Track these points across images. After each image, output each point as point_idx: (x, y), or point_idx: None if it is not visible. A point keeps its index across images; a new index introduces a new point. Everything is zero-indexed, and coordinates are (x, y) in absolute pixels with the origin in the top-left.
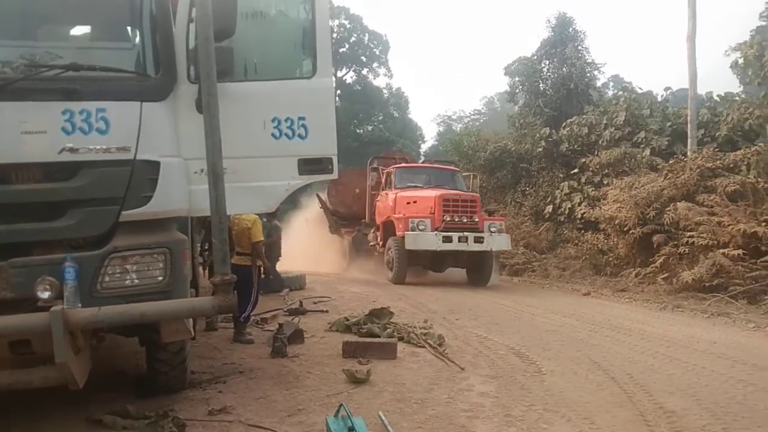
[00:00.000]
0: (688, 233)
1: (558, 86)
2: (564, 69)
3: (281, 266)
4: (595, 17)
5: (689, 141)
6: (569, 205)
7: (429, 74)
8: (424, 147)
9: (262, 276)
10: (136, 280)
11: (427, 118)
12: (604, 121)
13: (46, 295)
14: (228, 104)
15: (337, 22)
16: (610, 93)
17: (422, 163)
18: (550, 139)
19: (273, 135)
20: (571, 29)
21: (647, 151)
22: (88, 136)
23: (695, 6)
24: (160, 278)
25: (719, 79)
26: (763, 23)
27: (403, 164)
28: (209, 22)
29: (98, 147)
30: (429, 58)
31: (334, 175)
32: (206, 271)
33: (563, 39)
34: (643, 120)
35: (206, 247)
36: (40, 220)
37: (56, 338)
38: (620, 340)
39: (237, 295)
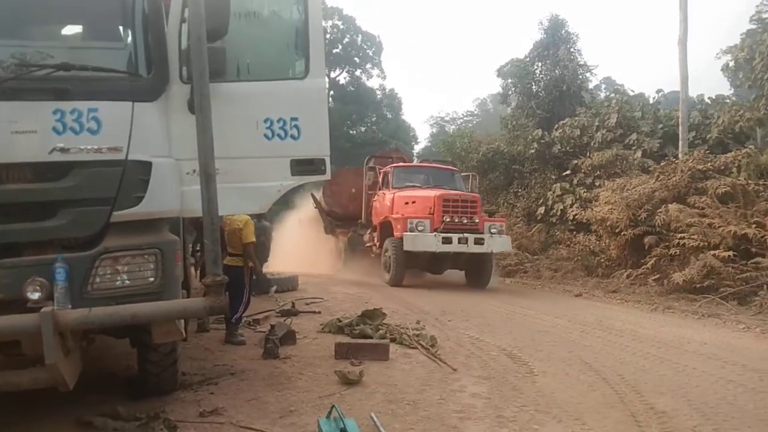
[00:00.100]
0: (679, 235)
1: (550, 88)
2: (556, 71)
3: (272, 267)
4: (587, 20)
5: (680, 143)
6: (561, 207)
7: (422, 75)
8: (417, 148)
9: (254, 277)
10: (127, 281)
11: (420, 120)
12: (596, 123)
13: (36, 296)
14: (220, 104)
15: (330, 22)
16: (602, 95)
17: (420, 162)
18: (542, 141)
19: (265, 135)
20: (563, 31)
21: (639, 153)
22: (79, 136)
23: (686, 9)
24: (152, 279)
25: (709, 81)
26: (753, 26)
27: (401, 163)
28: (202, 21)
29: (89, 147)
30: (422, 60)
31: (327, 176)
32: (198, 271)
33: (556, 41)
34: (634, 122)
35: (198, 248)
36: (30, 221)
37: (46, 339)
38: (612, 341)
39: (229, 296)
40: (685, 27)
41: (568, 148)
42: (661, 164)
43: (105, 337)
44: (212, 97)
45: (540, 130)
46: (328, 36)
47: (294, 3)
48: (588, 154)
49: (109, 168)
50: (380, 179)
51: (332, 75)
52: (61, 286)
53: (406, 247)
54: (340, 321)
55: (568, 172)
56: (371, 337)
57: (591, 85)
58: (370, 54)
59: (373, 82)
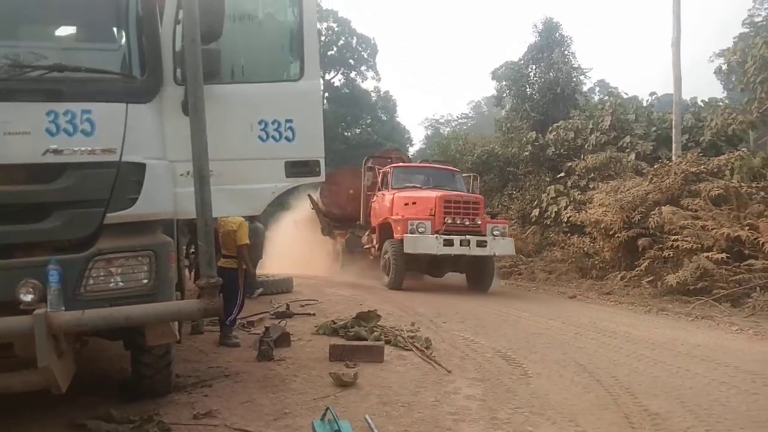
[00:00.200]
0: (673, 237)
1: (545, 91)
2: (551, 74)
3: (267, 269)
4: (581, 23)
5: (674, 146)
6: (555, 209)
7: (416, 78)
8: (411, 150)
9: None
10: (121, 283)
11: (415, 122)
12: (590, 126)
13: (28, 298)
14: (214, 106)
15: (325, 25)
16: (596, 98)
17: (420, 162)
18: (536, 143)
19: (260, 137)
20: (557, 34)
21: (632, 156)
22: (73, 137)
23: (680, 12)
24: (145, 281)
25: (702, 84)
26: (746, 30)
27: (401, 164)
28: (196, 23)
29: (83, 148)
30: (417, 62)
31: (321, 178)
32: (192, 273)
33: (550, 44)
34: (628, 125)
35: (192, 250)
36: (23, 222)
37: (39, 342)
38: (605, 343)
39: (223, 298)
40: (678, 30)
41: (562, 150)
42: (655, 167)
43: (98, 339)
44: (206, 99)
45: (534, 132)
46: (323, 38)
47: (289, 5)
48: (582, 157)
49: (102, 170)
50: (379, 180)
51: (327, 77)
52: (54, 288)
53: (407, 249)
54: (334, 323)
55: (562, 174)
56: (366, 339)
57: (585, 88)
58: (365, 56)
59: (367, 84)
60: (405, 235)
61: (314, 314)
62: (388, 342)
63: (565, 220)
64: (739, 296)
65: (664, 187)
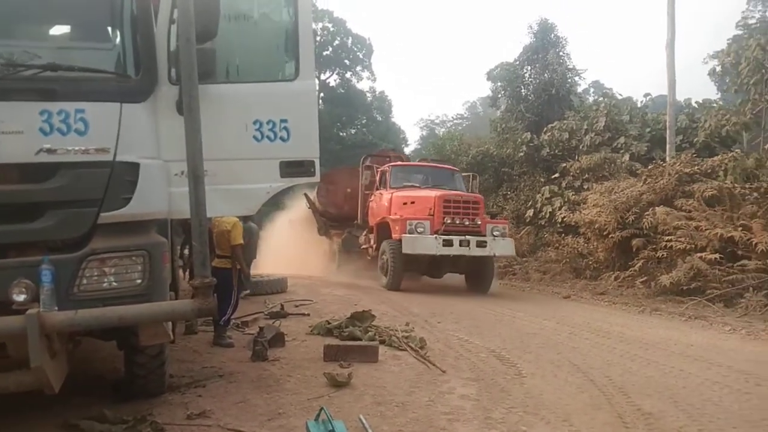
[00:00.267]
0: (667, 237)
1: (539, 92)
2: (545, 75)
3: (262, 269)
4: (576, 24)
5: (668, 146)
6: (550, 209)
7: (412, 78)
8: (407, 150)
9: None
10: (115, 283)
11: (410, 122)
12: (585, 127)
13: (21, 297)
14: (209, 106)
15: (320, 25)
16: (591, 99)
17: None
18: (531, 144)
19: (255, 137)
20: (552, 35)
21: (627, 157)
22: (67, 137)
23: (674, 14)
24: (139, 281)
25: (696, 86)
26: (740, 32)
27: (399, 162)
28: (191, 23)
29: (77, 148)
30: (412, 63)
31: (316, 179)
32: (186, 273)
33: (545, 45)
34: (622, 126)
35: (187, 250)
36: (16, 222)
37: (32, 342)
38: (599, 343)
39: (217, 298)
40: (672, 31)
41: (556, 151)
42: (649, 167)
43: (92, 340)
44: (201, 99)
45: (529, 133)
46: (318, 38)
47: (284, 5)
48: (576, 157)
49: (96, 169)
50: (377, 179)
51: (322, 77)
52: (47, 287)
53: (405, 249)
54: (329, 323)
55: (556, 175)
56: (360, 339)
57: (580, 89)
58: (361, 56)
59: (363, 85)
60: (403, 235)
61: (309, 314)
62: (382, 342)
63: (560, 220)
64: (732, 296)
65: (658, 188)
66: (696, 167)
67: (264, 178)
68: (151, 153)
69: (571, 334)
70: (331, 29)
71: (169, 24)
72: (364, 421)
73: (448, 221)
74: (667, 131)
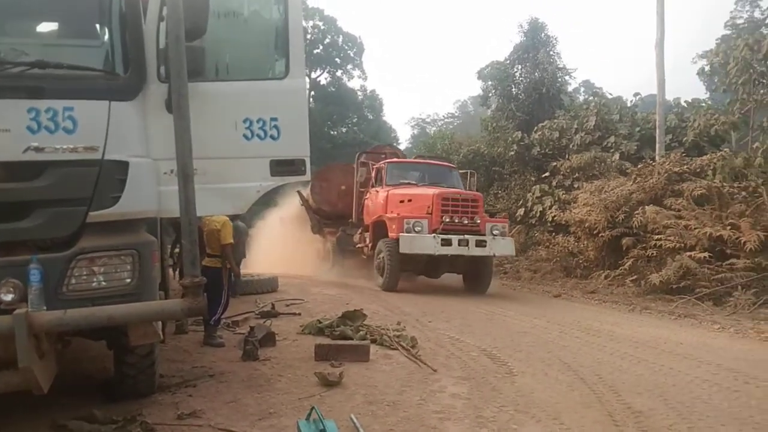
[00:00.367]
0: (656, 236)
1: (530, 91)
2: (536, 74)
3: (252, 268)
4: (566, 23)
5: (657, 146)
6: (540, 208)
7: (403, 77)
8: None
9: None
10: (104, 283)
11: (401, 121)
12: (575, 126)
13: (9, 297)
14: (199, 104)
15: (311, 23)
16: (581, 98)
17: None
18: (522, 143)
19: (245, 136)
20: (543, 34)
21: (617, 156)
22: (55, 135)
23: (663, 14)
24: (128, 280)
25: (685, 85)
26: (728, 32)
27: (395, 159)
28: (180, 20)
29: (65, 146)
30: (404, 61)
31: (307, 177)
32: (176, 272)
33: (535, 44)
34: (612, 125)
35: (177, 249)
36: (4, 221)
37: (19, 342)
38: (590, 342)
39: (207, 298)
40: (662, 31)
41: (547, 150)
42: (639, 166)
43: (81, 339)
44: (191, 97)
45: (520, 132)
46: (308, 36)
47: (274, 3)
48: (567, 157)
49: (84, 168)
50: (373, 176)
51: (313, 75)
52: (35, 287)
53: (403, 249)
54: (320, 322)
55: (547, 174)
56: (351, 339)
57: (570, 88)
58: (351, 55)
59: (354, 83)
60: (401, 234)
61: (300, 314)
62: (373, 341)
63: (550, 219)
64: (721, 295)
65: (647, 187)
66: (685, 166)
67: (254, 177)
68: (140, 151)
69: (561, 333)
70: (322, 27)
71: (158, 21)
72: (355, 421)
73: (447, 220)
74: (657, 130)
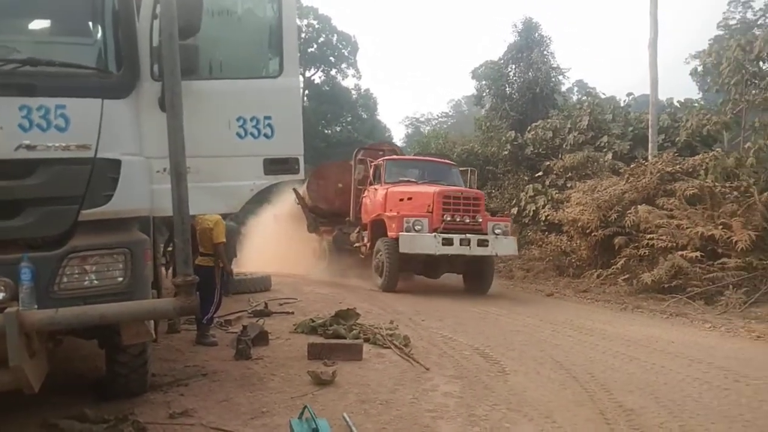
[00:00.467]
0: (648, 236)
1: (524, 90)
2: (530, 73)
3: (246, 267)
4: (560, 22)
5: (650, 145)
6: (533, 208)
7: (398, 76)
8: None
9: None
10: (96, 281)
11: (395, 120)
12: (568, 126)
13: (0, 296)
14: (192, 102)
15: (305, 22)
16: (575, 98)
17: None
18: (515, 143)
19: (238, 134)
20: (537, 34)
21: (609, 155)
22: (47, 133)
23: (657, 14)
24: (120, 279)
25: (677, 84)
26: (721, 33)
27: (394, 156)
28: (174, 18)
29: (57, 144)
30: (398, 60)
31: (301, 176)
32: (169, 271)
33: (529, 44)
34: (605, 125)
35: (170, 248)
36: None
37: (10, 341)
38: (582, 340)
39: (200, 297)
40: (655, 31)
41: (540, 149)
42: (631, 166)
43: (73, 338)
44: (184, 95)
45: (513, 131)
46: (303, 35)
47: (268, 1)
48: (560, 156)
49: (77, 166)
50: (371, 173)
51: (307, 74)
52: (26, 286)
53: (402, 249)
54: (313, 321)
55: (540, 173)
56: (344, 338)
57: (563, 88)
58: (346, 54)
59: (348, 82)
60: (400, 233)
61: (293, 313)
62: (366, 340)
63: (543, 218)
64: (712, 294)
65: (640, 187)
66: (677, 166)
67: (247, 176)
68: (133, 150)
69: (554, 332)
70: (316, 26)
71: (152, 19)
72: (348, 420)
73: (448, 218)
74: (650, 130)
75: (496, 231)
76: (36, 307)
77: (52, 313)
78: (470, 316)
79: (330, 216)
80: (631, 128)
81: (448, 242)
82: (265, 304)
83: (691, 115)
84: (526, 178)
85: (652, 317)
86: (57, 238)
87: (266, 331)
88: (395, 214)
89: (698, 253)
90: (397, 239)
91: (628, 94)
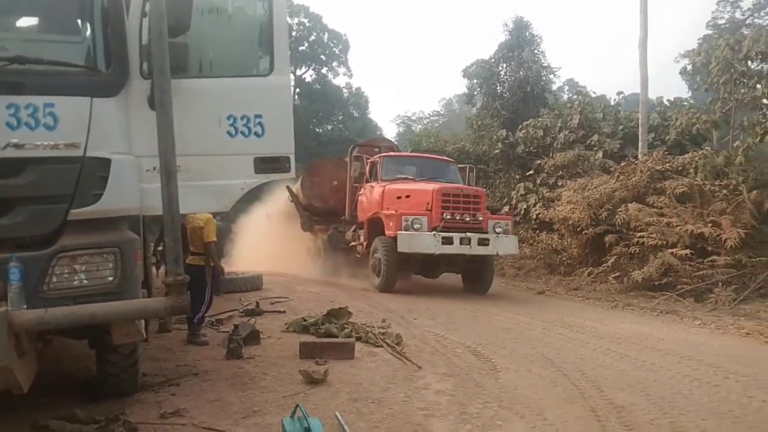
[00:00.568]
0: (639, 233)
1: (515, 89)
2: (521, 72)
3: (236, 266)
4: (550, 21)
5: (640, 144)
6: (525, 206)
7: (389, 75)
8: None
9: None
10: (85, 281)
11: (386, 119)
12: (559, 124)
13: None
14: (182, 101)
15: (296, 20)
16: (565, 96)
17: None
18: (506, 141)
19: (228, 133)
20: (528, 33)
21: (600, 154)
22: (35, 131)
23: (647, 13)
24: (110, 278)
25: (667, 83)
26: (710, 32)
27: (391, 153)
28: (163, 16)
29: (45, 143)
30: (389, 59)
31: (291, 174)
32: (159, 270)
33: (520, 43)
34: (596, 123)
35: (160, 247)
36: None
37: None
38: (573, 338)
39: (190, 296)
40: (645, 30)
41: (531, 148)
42: (622, 165)
43: (62, 338)
44: (174, 94)
45: (504, 130)
46: (294, 33)
47: None
48: (551, 155)
49: (66, 165)
50: (367, 170)
51: (298, 72)
52: (15, 285)
53: (401, 248)
54: (305, 320)
55: (531, 172)
56: (336, 336)
57: (554, 87)
58: (337, 52)
59: (339, 81)
60: (398, 232)
61: (284, 312)
62: (358, 339)
63: (534, 217)
64: (702, 291)
65: (630, 185)
66: (667, 164)
67: (238, 174)
68: (122, 148)
69: (545, 330)
70: (307, 24)
71: (141, 17)
72: (340, 418)
73: (447, 217)
74: (640, 129)
75: (497, 229)
76: (25, 306)
77: (41, 313)
78: (462, 314)
79: (324, 214)
80: (621, 127)
81: (447, 241)
82: (257, 303)
83: (681, 114)
84: (517, 176)
85: (643, 315)
86: (46, 237)
87: (257, 330)
88: (393, 212)
89: (688, 251)
90: (395, 238)
91: (619, 93)
